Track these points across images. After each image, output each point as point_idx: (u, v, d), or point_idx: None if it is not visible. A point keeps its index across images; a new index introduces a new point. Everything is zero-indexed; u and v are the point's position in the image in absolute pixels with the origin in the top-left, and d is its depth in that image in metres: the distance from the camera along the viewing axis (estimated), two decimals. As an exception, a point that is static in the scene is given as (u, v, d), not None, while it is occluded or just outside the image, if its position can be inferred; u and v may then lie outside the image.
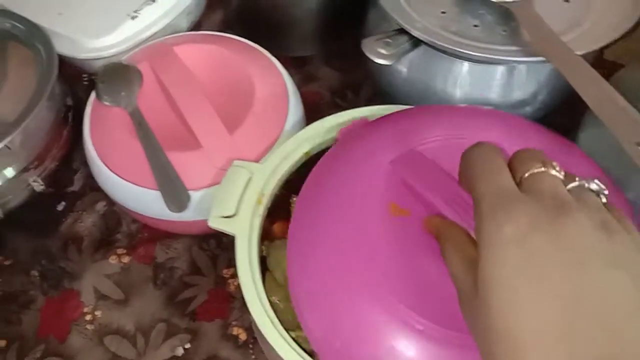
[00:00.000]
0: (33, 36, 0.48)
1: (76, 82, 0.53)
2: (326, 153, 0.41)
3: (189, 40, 0.50)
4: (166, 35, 0.52)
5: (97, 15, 0.50)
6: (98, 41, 0.49)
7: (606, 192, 0.26)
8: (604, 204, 0.25)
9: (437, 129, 0.38)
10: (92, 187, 0.51)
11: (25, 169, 0.45)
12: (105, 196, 0.47)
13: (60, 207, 0.50)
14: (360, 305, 0.33)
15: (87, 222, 0.49)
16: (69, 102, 0.50)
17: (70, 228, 0.49)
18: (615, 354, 0.21)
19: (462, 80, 0.43)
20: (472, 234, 0.27)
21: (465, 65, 0.43)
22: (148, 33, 0.50)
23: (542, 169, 0.25)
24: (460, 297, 0.26)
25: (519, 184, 0.26)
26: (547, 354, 0.22)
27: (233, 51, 0.48)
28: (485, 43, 0.42)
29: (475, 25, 0.43)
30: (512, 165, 0.27)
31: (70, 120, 0.50)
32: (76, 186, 0.51)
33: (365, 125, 0.43)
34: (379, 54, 0.40)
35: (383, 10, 0.42)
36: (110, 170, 0.43)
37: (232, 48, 0.49)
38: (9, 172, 0.44)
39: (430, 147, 0.37)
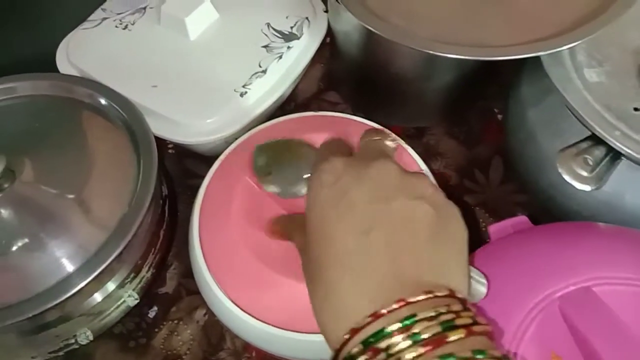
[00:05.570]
0: (124, 115, 0.41)
1: (159, 150, 0.42)
2: (476, 253, 0.34)
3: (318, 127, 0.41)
4: (274, 109, 0.45)
5: (199, 91, 0.42)
6: (202, 123, 0.41)
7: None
8: None
9: (627, 268, 0.30)
10: (189, 289, 0.43)
11: (121, 285, 0.38)
12: (204, 301, 0.40)
13: (151, 314, 0.43)
14: None
15: (184, 336, 0.42)
16: (165, 191, 0.43)
17: (166, 342, 0.42)
18: (419, 273, 0.24)
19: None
20: None
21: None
22: (258, 111, 0.42)
23: (376, 138, 0.31)
24: (302, 262, 0.29)
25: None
26: (347, 274, 0.25)
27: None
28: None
29: (681, 128, 0.35)
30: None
31: (166, 216, 0.42)
32: (169, 287, 0.44)
33: (530, 232, 0.36)
34: (578, 177, 0.32)
35: (577, 115, 0.34)
36: (234, 302, 0.35)
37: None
38: (104, 290, 0.37)
39: (611, 290, 0.29)
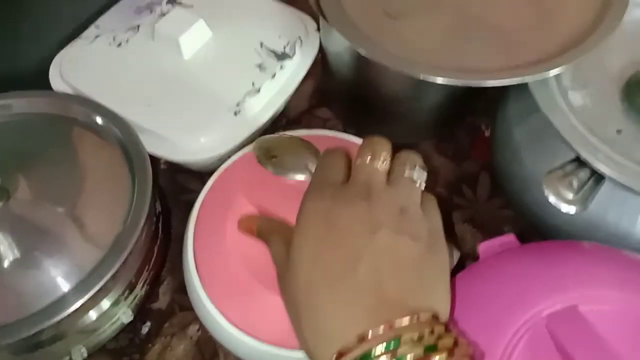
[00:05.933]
0: (119, 134, 0.41)
1: (153, 166, 0.42)
2: (465, 272, 0.35)
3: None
4: (266, 127, 0.45)
5: (192, 109, 0.43)
6: (196, 142, 0.42)
7: (423, 177, 0.32)
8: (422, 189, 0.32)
9: (611, 287, 0.31)
10: (182, 305, 0.44)
11: (115, 302, 0.38)
12: (197, 317, 0.40)
13: (144, 330, 0.43)
14: None
15: (177, 351, 0.42)
16: (158, 207, 0.43)
17: (159, 358, 0.42)
18: (403, 298, 0.26)
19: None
20: None
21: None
22: (251, 129, 0.43)
23: (367, 160, 0.31)
24: (278, 272, 0.32)
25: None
26: (335, 299, 0.27)
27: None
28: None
29: (660, 151, 0.36)
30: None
31: (160, 233, 0.43)
32: (162, 302, 0.44)
33: (517, 250, 0.37)
34: (564, 199, 0.33)
35: (561, 137, 0.35)
36: (227, 319, 0.36)
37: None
38: (99, 308, 0.37)
39: (596, 309, 0.30)
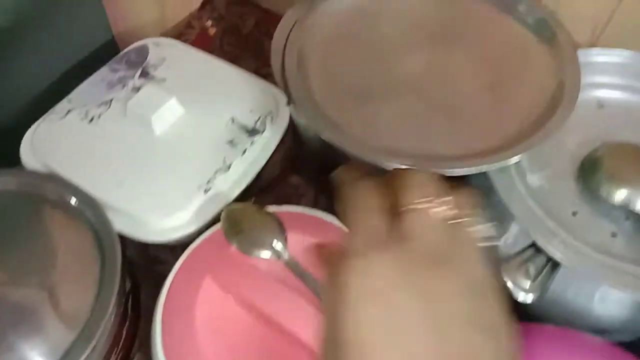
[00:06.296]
0: (91, 216, 0.42)
1: (122, 240, 0.43)
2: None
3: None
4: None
5: (163, 188, 0.43)
6: (165, 222, 0.42)
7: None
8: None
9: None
10: (151, 381, 0.44)
11: (83, 388, 0.38)
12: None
13: (113, 409, 0.43)
14: None
15: None
16: (128, 285, 0.43)
17: None
18: None
19: (600, 301, 0.37)
20: None
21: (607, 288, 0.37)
22: (220, 206, 0.44)
23: (425, 204, 0.23)
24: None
25: (398, 214, 0.23)
26: None
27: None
28: (628, 262, 0.36)
29: (613, 235, 0.38)
30: (396, 190, 0.24)
31: (129, 312, 0.43)
32: (132, 379, 0.44)
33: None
34: (522, 288, 0.34)
35: (521, 225, 0.36)
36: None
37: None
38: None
39: None
